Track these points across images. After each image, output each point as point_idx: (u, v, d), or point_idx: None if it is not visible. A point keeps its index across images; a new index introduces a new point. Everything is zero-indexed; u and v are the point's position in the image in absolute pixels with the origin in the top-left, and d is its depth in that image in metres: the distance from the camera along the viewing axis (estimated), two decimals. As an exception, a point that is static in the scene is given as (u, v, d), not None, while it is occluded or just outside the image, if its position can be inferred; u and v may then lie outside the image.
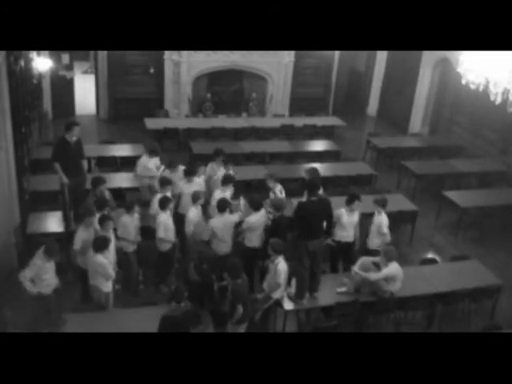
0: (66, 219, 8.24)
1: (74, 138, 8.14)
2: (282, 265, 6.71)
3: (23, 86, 9.88)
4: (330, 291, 7.10)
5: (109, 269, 6.49)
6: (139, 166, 9.04)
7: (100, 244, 6.45)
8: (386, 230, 7.78)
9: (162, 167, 8.95)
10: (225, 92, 14.70)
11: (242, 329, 6.39)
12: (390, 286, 7.00)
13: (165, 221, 7.45)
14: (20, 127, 8.96)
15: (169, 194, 7.89)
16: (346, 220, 7.76)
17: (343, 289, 7.12)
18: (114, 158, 10.52)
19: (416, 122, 14.77)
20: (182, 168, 8.72)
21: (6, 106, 7.57)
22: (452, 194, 10.21)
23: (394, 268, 6.98)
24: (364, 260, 7.28)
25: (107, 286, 6.62)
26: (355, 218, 7.83)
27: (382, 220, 7.80)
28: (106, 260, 6.49)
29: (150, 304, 6.68)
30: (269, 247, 6.81)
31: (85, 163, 8.64)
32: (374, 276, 6.94)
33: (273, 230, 7.39)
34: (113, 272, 6.62)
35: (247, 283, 6.54)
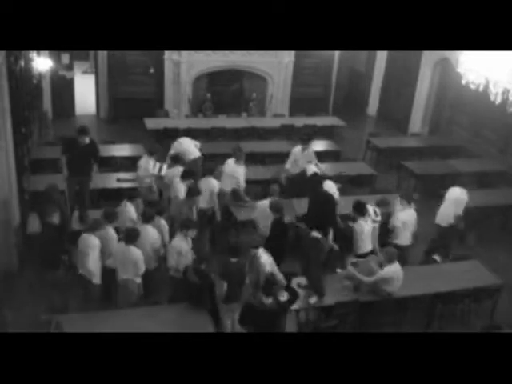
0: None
1: (87, 141, 8.46)
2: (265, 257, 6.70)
3: (23, 86, 9.87)
4: (330, 291, 7.10)
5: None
6: (140, 167, 9.04)
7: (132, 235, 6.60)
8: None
9: (164, 166, 8.98)
10: (225, 92, 14.69)
11: (235, 309, 6.40)
12: (387, 287, 7.00)
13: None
14: (20, 127, 8.96)
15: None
16: (358, 229, 7.61)
17: (347, 282, 7.14)
18: (114, 158, 10.51)
19: (416, 122, 14.76)
20: (180, 168, 8.68)
21: (6, 106, 7.57)
22: (452, 194, 10.16)
23: (390, 270, 6.95)
24: (364, 260, 7.28)
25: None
26: (367, 227, 7.64)
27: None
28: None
29: (150, 304, 6.69)
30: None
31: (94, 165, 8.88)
32: (366, 279, 6.96)
33: (272, 231, 7.37)
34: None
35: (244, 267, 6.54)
